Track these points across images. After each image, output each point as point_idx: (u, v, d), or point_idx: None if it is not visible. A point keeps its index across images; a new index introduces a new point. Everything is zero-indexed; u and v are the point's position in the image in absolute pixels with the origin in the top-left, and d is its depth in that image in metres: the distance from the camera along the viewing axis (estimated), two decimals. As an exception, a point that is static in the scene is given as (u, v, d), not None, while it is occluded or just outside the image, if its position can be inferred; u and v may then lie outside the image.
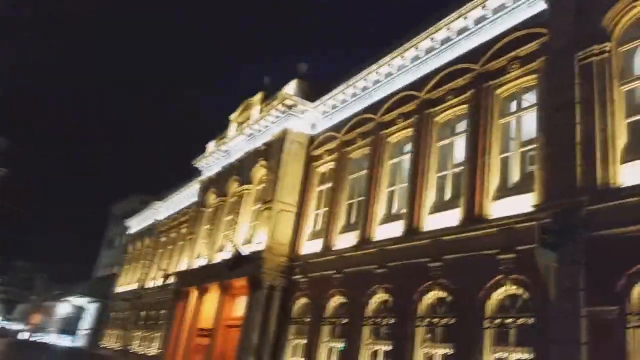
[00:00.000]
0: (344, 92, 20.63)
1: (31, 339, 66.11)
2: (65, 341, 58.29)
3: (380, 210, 17.39)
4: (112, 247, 58.57)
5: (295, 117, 22.66)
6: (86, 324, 53.02)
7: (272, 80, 27.06)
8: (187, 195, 35.46)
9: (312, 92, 22.76)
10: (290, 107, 22.56)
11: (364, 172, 18.93)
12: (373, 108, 19.24)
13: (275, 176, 22.36)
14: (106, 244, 61.66)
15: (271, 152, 23.54)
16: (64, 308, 64.97)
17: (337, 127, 21.15)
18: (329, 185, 20.74)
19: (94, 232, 67.04)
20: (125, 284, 42.88)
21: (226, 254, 24.06)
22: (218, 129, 31.26)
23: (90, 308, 52.96)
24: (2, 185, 79.74)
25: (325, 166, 21.48)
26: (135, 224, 46.85)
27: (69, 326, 59.21)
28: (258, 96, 26.69)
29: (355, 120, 20.15)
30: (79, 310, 57.09)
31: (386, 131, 18.22)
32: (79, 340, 51.57)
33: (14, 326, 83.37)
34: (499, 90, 14.39)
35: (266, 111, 24.18)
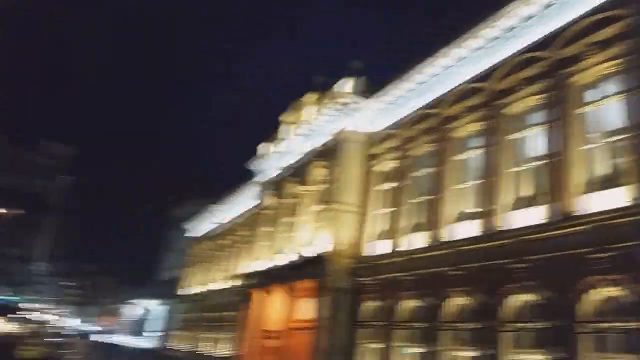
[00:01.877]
0: (402, 87, 19.93)
1: (104, 340, 69.06)
2: (135, 342, 60.49)
3: (451, 208, 16.67)
4: (174, 251, 60.13)
5: (352, 115, 22.16)
6: (154, 325, 54.74)
7: (323, 79, 26.61)
8: (244, 198, 35.69)
9: (368, 89, 22.17)
10: (345, 104, 22.08)
11: (430, 169, 18.24)
12: (435, 102, 18.48)
13: (335, 176, 21.99)
14: (169, 247, 63.38)
15: (329, 151, 23.15)
16: (132, 310, 67.41)
17: (397, 124, 20.50)
18: (393, 184, 20.16)
19: (156, 237, 69.07)
20: (189, 286, 43.80)
21: (288, 256, 23.97)
22: (268, 131, 31.11)
23: (157, 310, 54.61)
24: (70, 193, 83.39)
25: (386, 165, 20.90)
26: (194, 228, 47.74)
27: (139, 327, 61.33)
28: (309, 95, 26.33)
29: (416, 115, 19.45)
30: (147, 312, 59.03)
31: (451, 125, 17.44)
32: (148, 341, 53.29)
33: (87, 327, 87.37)
34: (576, 78, 13.38)
35: (320, 110, 23.80)
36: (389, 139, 20.70)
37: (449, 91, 17.92)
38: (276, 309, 24.91)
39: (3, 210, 49.50)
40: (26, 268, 72.09)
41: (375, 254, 19.63)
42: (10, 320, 48.13)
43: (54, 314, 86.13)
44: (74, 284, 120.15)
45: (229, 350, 31.06)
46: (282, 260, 24.77)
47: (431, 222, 17.10)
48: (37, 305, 77.55)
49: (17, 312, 53.64)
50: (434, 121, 18.32)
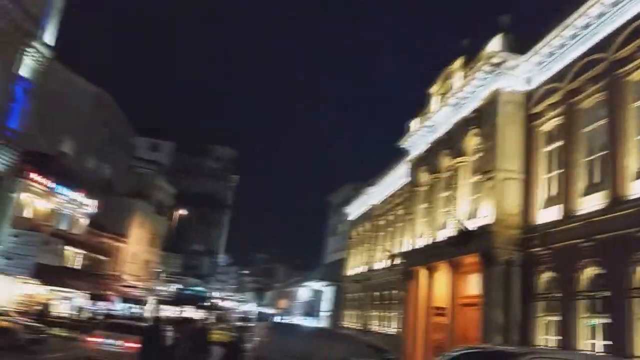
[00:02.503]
0: (561, 35, 17.97)
1: (282, 321, 74.16)
2: (309, 322, 64.04)
3: (632, 162, 14.67)
4: (335, 235, 62.31)
5: (505, 75, 20.63)
6: (325, 306, 57.46)
7: (471, 42, 25.18)
8: (397, 177, 35.57)
9: (520, 44, 20.42)
10: (498, 65, 20.62)
11: (602, 121, 16.24)
12: (602, 46, 16.33)
13: (492, 143, 20.72)
14: (330, 232, 65.90)
15: (483, 118, 21.89)
16: (304, 292, 71.58)
17: (558, 77, 18.58)
18: (559, 143, 18.37)
19: (320, 223, 72.41)
20: (354, 267, 45.10)
21: (450, 231, 23.27)
22: (418, 106, 30.48)
23: (327, 291, 57.20)
24: (239, 190, 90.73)
25: (550, 123, 19.09)
26: (353, 211, 48.96)
27: (310, 308, 64.94)
28: (458, 61, 25.11)
29: (580, 64, 17.40)
30: (317, 293, 62.18)
31: (625, 69, 15.27)
32: (321, 321, 56.16)
33: (267, 310, 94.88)
34: None
35: (471, 75, 22.54)
36: (550, 95, 18.85)
37: (617, 30, 15.70)
38: (441, 286, 24.43)
39: (185, 212, 55.61)
40: (209, 261, 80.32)
41: (545, 222, 18.12)
42: (199, 308, 54.05)
43: (235, 301, 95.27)
44: (250, 272, 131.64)
45: (397, 328, 31.38)
46: (443, 235, 24.18)
47: (609, 180, 15.23)
48: (220, 294, 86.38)
49: (204, 301, 60.01)
50: (602, 67, 16.22)
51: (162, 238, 54.84)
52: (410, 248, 28.52)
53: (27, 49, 25.11)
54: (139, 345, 12.86)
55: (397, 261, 31.53)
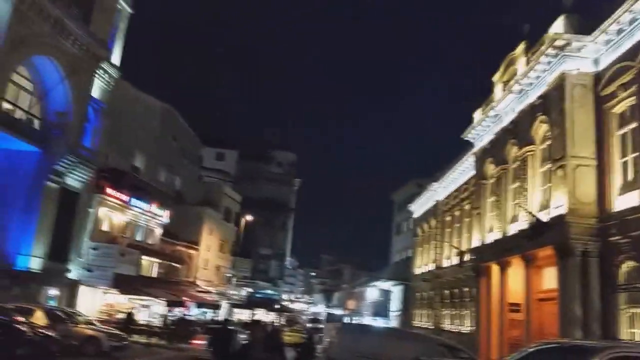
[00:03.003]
0: (631, 9, 16.91)
1: (352, 321, 74.06)
2: (379, 322, 63.61)
3: None
4: (401, 233, 61.65)
5: (571, 57, 19.65)
6: (394, 305, 56.91)
7: (531, 27, 24.25)
8: (462, 171, 34.74)
9: (585, 24, 19.40)
10: (562, 47, 19.66)
11: (683, 98, 15.12)
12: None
13: (561, 129, 19.78)
14: (395, 230, 65.28)
15: (550, 103, 20.96)
16: (372, 292, 71.21)
17: (629, 55, 17.47)
18: (634, 125, 17.28)
19: (385, 222, 71.99)
20: (422, 265, 44.41)
21: (521, 225, 22.42)
22: (481, 96, 29.63)
23: (395, 290, 56.65)
24: (300, 193, 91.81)
25: (622, 104, 17.97)
26: (417, 208, 48.24)
27: (379, 308, 64.50)
28: (520, 47, 24.19)
29: (654, 39, 16.32)
30: (386, 293, 61.70)
31: None
32: (391, 322, 55.68)
33: (336, 312, 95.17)
34: None
35: (534, 60, 21.63)
36: (622, 75, 17.73)
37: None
38: (515, 281, 23.60)
39: (251, 218, 56.86)
40: (277, 264, 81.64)
41: (622, 209, 17.08)
42: (270, 311, 55.01)
43: (303, 303, 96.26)
44: (317, 274, 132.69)
45: (470, 326, 30.59)
46: (514, 229, 23.35)
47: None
48: (289, 296, 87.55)
49: (275, 304, 60.99)
50: (680, 40, 15.11)
51: (231, 244, 56.35)
52: (480, 244, 27.73)
53: (96, 71, 26.61)
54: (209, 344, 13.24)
55: (467, 258, 30.75)
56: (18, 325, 13.21)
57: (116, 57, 29.18)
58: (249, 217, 56.39)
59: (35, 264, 23.33)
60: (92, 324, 20.41)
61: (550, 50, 20.10)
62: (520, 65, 23.83)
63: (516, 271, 23.39)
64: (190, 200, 48.91)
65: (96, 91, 27.24)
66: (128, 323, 26.23)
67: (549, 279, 20.65)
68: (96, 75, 26.73)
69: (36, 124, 24.05)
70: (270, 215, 76.50)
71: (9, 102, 22.30)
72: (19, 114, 22.93)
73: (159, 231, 38.95)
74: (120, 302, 30.75)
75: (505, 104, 25.39)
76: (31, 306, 17.82)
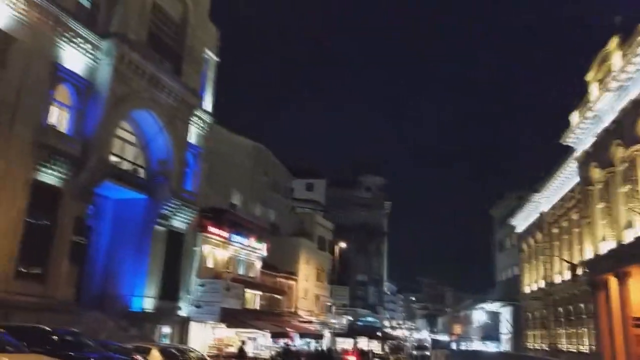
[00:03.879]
0: None
1: (460, 348, 71.06)
2: (490, 347, 60.40)
3: None
4: (504, 250, 58.73)
5: (676, 44, 18.06)
6: (504, 328, 53.89)
7: (622, 18, 22.68)
8: (565, 179, 32.66)
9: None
10: (664, 35, 18.16)
11: None
12: None
13: (673, 123, 18.09)
14: (498, 247, 62.31)
15: (657, 97, 19.28)
16: (478, 315, 68.04)
17: None
18: None
19: (486, 239, 68.94)
20: (531, 283, 41.87)
21: (637, 231, 20.58)
22: (575, 98, 27.93)
23: (504, 312, 53.72)
24: (391, 216, 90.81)
25: None
26: (520, 222, 45.84)
27: (488, 332, 61.43)
28: (613, 41, 22.65)
29: None
30: (494, 315, 58.70)
31: None
32: (502, 345, 52.71)
33: (441, 337, 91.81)
34: None
35: (632, 53, 20.13)
36: None
37: None
38: (638, 292, 21.53)
39: (344, 245, 56.97)
40: (375, 290, 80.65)
41: None
42: (372, 338, 54.19)
43: (406, 329, 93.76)
44: (417, 298, 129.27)
45: (590, 344, 28.17)
46: (630, 236, 21.44)
47: None
48: (390, 323, 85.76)
49: (377, 331, 60.02)
50: None
51: (327, 272, 56.60)
52: (593, 255, 25.71)
53: (191, 118, 28.35)
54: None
55: (580, 271, 28.58)
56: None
57: (208, 103, 30.95)
58: (342, 244, 56.53)
59: (148, 304, 24.81)
60: (204, 359, 21.16)
61: (651, 40, 18.61)
62: (616, 60, 22.26)
63: (638, 282, 21.34)
64: (285, 232, 50.03)
65: (192, 137, 28.96)
66: (240, 356, 26.88)
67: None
68: (191, 122, 28.46)
69: (141, 172, 25.94)
70: (363, 241, 76.21)
71: (116, 155, 24.31)
72: (125, 165, 24.87)
73: (258, 264, 40.05)
74: (228, 336, 31.71)
75: (603, 103, 23.74)
76: (148, 345, 18.84)
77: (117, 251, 24.80)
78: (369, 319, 69.37)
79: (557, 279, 34.72)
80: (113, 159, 23.82)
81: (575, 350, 31.01)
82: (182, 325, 27.65)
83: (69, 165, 20.39)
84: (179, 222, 27.26)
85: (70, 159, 20.39)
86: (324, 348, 39.83)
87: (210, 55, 31.18)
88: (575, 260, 29.82)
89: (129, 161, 25.25)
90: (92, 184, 21.44)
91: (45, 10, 19.72)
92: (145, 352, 16.90)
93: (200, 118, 29.54)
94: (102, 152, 21.69)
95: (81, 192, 21.04)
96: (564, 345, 33.61)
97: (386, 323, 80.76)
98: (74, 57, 21.26)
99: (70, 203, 20.66)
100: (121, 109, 23.07)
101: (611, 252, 23.23)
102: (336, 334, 50.91)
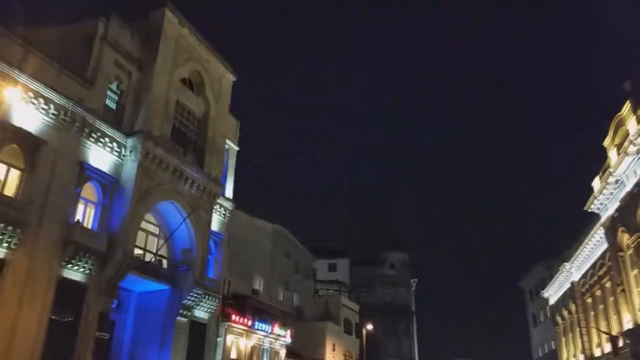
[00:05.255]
0: None
1: None
2: None
3: None
4: (538, 324, 56.26)
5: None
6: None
7: (633, 83, 23.09)
8: (594, 246, 31.81)
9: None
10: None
11: None
12: None
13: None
14: (532, 321, 59.74)
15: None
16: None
17: None
18: None
19: (518, 313, 66.31)
20: (570, 358, 39.62)
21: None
22: (596, 164, 27.87)
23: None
24: (418, 293, 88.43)
25: None
26: (552, 293, 44.22)
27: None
28: (627, 106, 22.94)
29: None
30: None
31: None
32: None
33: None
34: None
35: (647, 118, 20.28)
36: None
37: None
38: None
39: (371, 326, 55.26)
40: (408, 371, 76.95)
41: None
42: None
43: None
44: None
45: None
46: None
47: None
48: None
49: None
50: None
51: (355, 357, 54.42)
52: (633, 325, 24.47)
53: (214, 207, 28.75)
54: None
55: (622, 343, 27.08)
56: None
57: (229, 191, 31.50)
58: (369, 327, 54.74)
59: (173, 398, 23.93)
60: None
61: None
62: (632, 124, 22.39)
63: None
64: (309, 316, 48.80)
65: (215, 224, 29.20)
66: None
67: None
68: (214, 210, 28.82)
69: (164, 263, 25.97)
70: (391, 321, 73.75)
71: (140, 247, 24.49)
72: (148, 257, 24.98)
73: (283, 352, 38.78)
74: None
75: (624, 168, 23.62)
76: None
77: (140, 344, 24.33)
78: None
79: (598, 352, 32.85)
80: (137, 251, 23.98)
81: None
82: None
83: (95, 261, 20.56)
84: (202, 312, 26.89)
85: (96, 254, 20.60)
86: None
87: (231, 145, 32.15)
88: (614, 331, 28.37)
89: (152, 253, 25.42)
90: (117, 278, 21.47)
91: (73, 113, 20.78)
92: None
93: (222, 205, 29.93)
94: (127, 246, 21.89)
95: (106, 286, 21.04)
96: None
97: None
98: (100, 156, 22.10)
99: (95, 298, 20.61)
100: (146, 203, 23.52)
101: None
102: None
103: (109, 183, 22.24)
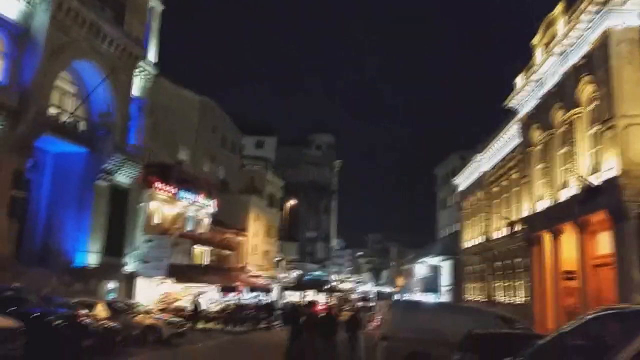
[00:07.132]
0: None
1: (402, 298, 74.01)
2: (430, 298, 63.29)
3: None
4: (446, 207, 60.89)
5: (614, 12, 18.70)
6: (444, 281, 56.54)
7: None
8: (507, 140, 33.86)
9: (630, -27, 18.37)
10: (604, 3, 18.76)
11: None
12: None
13: (608, 89, 18.97)
14: (440, 205, 64.53)
15: (594, 62, 20.08)
16: (421, 269, 70.94)
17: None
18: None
19: (429, 197, 71.22)
20: (471, 239, 43.83)
21: (572, 190, 21.76)
22: (521, 62, 28.67)
23: (444, 266, 56.23)
24: (342, 174, 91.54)
25: (676, 56, 17.06)
26: (462, 181, 47.48)
27: (429, 284, 64.22)
28: (559, 6, 23.22)
29: None
30: (435, 269, 61.34)
31: None
32: (442, 297, 55.37)
33: (385, 289, 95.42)
34: None
35: (575, 19, 20.75)
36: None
37: None
38: (569, 248, 22.98)
39: (294, 202, 57.44)
40: (324, 246, 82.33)
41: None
42: (320, 292, 55.83)
43: (352, 282, 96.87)
44: (364, 253, 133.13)
45: (524, 296, 30.09)
46: (565, 195, 22.68)
47: None
48: (338, 277, 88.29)
49: (324, 285, 61.85)
50: None
51: (277, 228, 57.17)
52: (530, 213, 27.10)
53: (135, 70, 27.25)
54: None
55: (518, 228, 30.14)
56: (82, 319, 13.86)
57: (152, 55, 29.77)
58: (292, 202, 57.03)
59: (92, 259, 24.39)
60: (151, 313, 21.20)
61: (591, 7, 19.24)
62: (561, 25, 22.88)
63: (569, 238, 22.77)
64: (234, 189, 49.80)
65: (136, 89, 27.93)
66: (194, 312, 26.80)
67: (604, 244, 20.03)
68: (135, 73, 27.37)
69: (82, 125, 24.92)
70: (313, 199, 77.02)
71: (56, 106, 23.19)
72: (65, 117, 23.81)
73: (207, 220, 39.91)
74: (177, 290, 31.78)
75: (547, 67, 24.52)
76: (93, 300, 18.66)
77: (59, 206, 24.05)
78: (317, 273, 71.06)
79: (496, 235, 36.51)
80: (52, 110, 22.73)
81: (510, 302, 33.02)
82: (129, 281, 27.44)
83: (5, 117, 19.34)
84: (123, 177, 26.59)
85: (7, 110, 19.34)
86: (271, 301, 40.67)
87: (156, 3, 29.78)
88: (514, 218, 31.37)
89: (69, 113, 24.19)
90: (31, 137, 20.49)
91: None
92: (90, 306, 16.72)
93: (144, 70, 28.45)
94: (40, 104, 20.64)
95: (19, 145, 20.08)
96: (499, 297, 35.71)
97: (333, 277, 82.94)
98: (7, 2, 19.87)
99: (8, 156, 19.71)
100: (60, 59, 21.92)
101: (547, 210, 24.54)
102: (285, 288, 52.02)
103: (17, 32, 20.30)
